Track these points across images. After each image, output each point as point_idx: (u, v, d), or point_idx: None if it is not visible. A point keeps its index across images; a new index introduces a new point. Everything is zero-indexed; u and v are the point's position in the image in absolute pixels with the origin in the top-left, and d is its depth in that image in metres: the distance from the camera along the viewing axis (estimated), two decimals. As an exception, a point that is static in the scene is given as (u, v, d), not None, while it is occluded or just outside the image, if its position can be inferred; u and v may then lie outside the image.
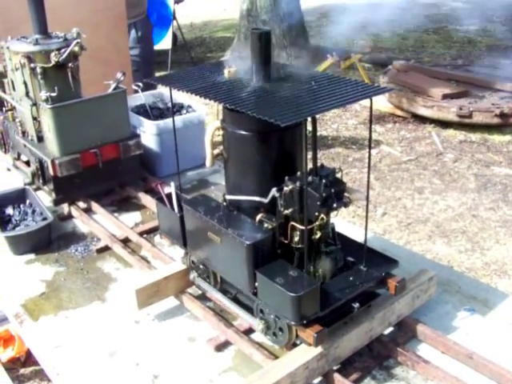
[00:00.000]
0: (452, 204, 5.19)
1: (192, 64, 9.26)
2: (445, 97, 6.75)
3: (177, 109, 3.31)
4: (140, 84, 3.35)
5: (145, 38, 5.64)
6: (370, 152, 1.85)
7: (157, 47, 8.32)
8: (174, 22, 9.25)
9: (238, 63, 1.93)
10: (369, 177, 1.82)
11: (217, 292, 2.04)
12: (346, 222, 2.65)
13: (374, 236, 2.42)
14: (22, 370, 3.56)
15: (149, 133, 3.10)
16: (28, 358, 3.61)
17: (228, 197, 1.94)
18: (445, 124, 6.73)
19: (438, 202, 5.23)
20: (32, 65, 2.72)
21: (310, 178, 1.71)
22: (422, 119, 6.91)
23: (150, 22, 5.82)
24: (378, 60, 8.86)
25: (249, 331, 1.99)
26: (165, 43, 9.07)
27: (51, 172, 2.69)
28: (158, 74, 7.35)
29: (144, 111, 3.30)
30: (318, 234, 1.77)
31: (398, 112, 7.13)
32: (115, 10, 4.15)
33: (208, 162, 2.00)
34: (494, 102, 6.66)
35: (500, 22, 12.03)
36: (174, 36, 9.75)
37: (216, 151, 1.96)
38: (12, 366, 3.55)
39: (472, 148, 6.31)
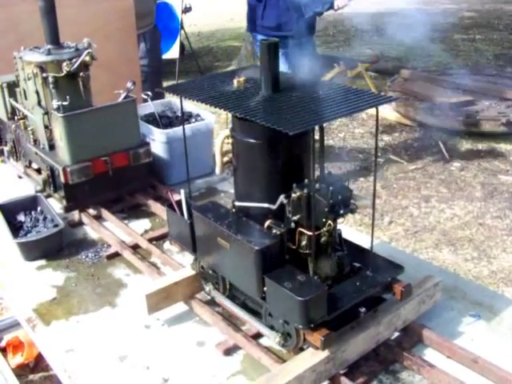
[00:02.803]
0: (458, 212, 5.21)
1: (199, 73, 9.33)
2: (451, 105, 6.77)
3: (185, 117, 3.35)
4: (149, 93, 3.40)
5: (153, 49, 5.68)
6: (376, 160, 1.88)
7: (164, 56, 8.39)
8: (182, 32, 9.31)
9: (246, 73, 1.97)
10: (375, 184, 1.85)
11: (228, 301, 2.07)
12: (352, 230, 2.68)
13: (380, 243, 2.46)
14: (30, 376, 3.60)
15: (158, 141, 3.14)
16: (37, 365, 3.65)
17: (237, 203, 1.98)
18: (451, 132, 6.76)
19: (445, 211, 5.25)
20: (44, 74, 2.77)
21: (317, 185, 1.74)
22: (429, 128, 6.93)
23: (158, 32, 5.86)
24: (385, 69, 8.90)
25: (257, 336, 2.02)
26: (172, 53, 9.14)
27: (62, 179, 2.73)
28: (165, 84, 7.42)
29: (153, 120, 3.34)
30: (325, 240, 1.80)
31: (405, 121, 7.17)
32: (125, 21, 4.21)
33: (218, 170, 2.03)
34: (501, 111, 6.70)
35: (507, 30, 12.05)
36: (182, 45, 9.83)
37: (225, 159, 2.00)
38: (21, 372, 3.59)
39: (478, 156, 6.34)
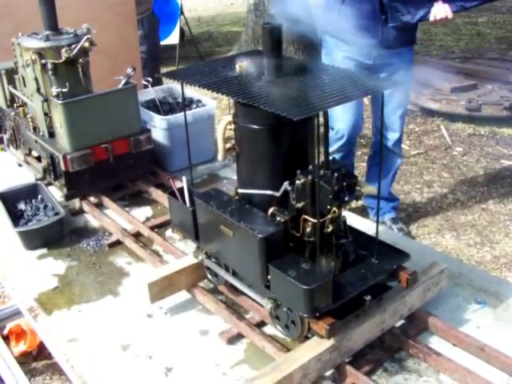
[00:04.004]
0: (461, 197, 5.18)
1: (200, 59, 9.27)
2: (453, 90, 6.73)
3: (187, 103, 3.32)
4: (150, 79, 3.37)
5: (151, 35, 5.65)
6: (381, 146, 1.85)
7: (164, 42, 8.34)
8: (182, 17, 9.24)
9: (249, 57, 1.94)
10: (380, 169, 1.83)
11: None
12: (356, 216, 2.65)
13: (384, 230, 2.43)
14: (33, 364, 3.60)
15: (159, 127, 3.11)
16: (40, 352, 3.65)
17: (240, 191, 1.95)
18: (453, 117, 6.72)
19: (447, 196, 5.22)
20: (43, 61, 2.75)
21: (321, 172, 1.71)
22: (431, 113, 6.89)
23: (156, 18, 5.82)
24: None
25: (261, 324, 2.01)
26: (172, 38, 9.07)
27: (63, 167, 2.71)
28: (165, 69, 7.37)
29: (154, 106, 3.31)
30: (330, 227, 1.77)
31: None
32: (125, 6, 4.18)
33: (220, 157, 2.01)
34: (503, 95, 6.65)
35: (510, 13, 11.95)
36: (182, 31, 9.75)
37: (228, 145, 1.97)
38: (24, 360, 3.58)
39: (481, 141, 6.30)
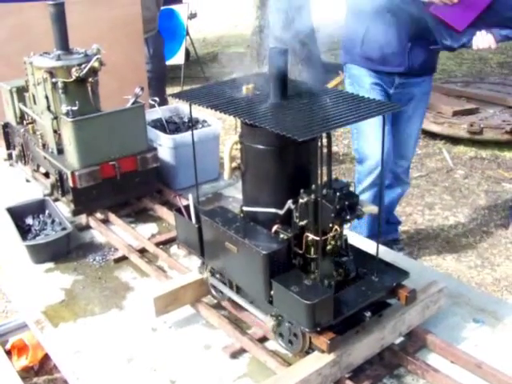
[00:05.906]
0: (462, 220, 5.23)
1: (204, 79, 9.37)
2: (455, 113, 6.80)
3: (192, 123, 3.38)
4: (157, 99, 3.44)
5: (156, 54, 5.71)
6: (382, 168, 1.90)
7: (170, 62, 8.44)
8: (187, 37, 9.37)
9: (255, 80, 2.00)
10: (382, 189, 1.87)
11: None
12: (358, 235, 2.70)
13: (385, 249, 2.47)
14: (34, 379, 3.62)
15: (165, 146, 3.17)
16: (41, 367, 3.67)
17: (245, 208, 2.01)
18: (455, 140, 6.79)
19: (449, 218, 5.27)
20: (54, 79, 2.81)
21: (324, 191, 1.77)
22: (433, 135, 6.96)
23: (161, 37, 5.89)
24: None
25: (263, 339, 2.04)
26: (178, 58, 9.19)
27: (71, 183, 2.76)
28: (170, 89, 7.46)
29: (160, 125, 3.37)
30: (332, 245, 1.83)
31: (409, 128, 7.15)
32: (132, 26, 4.26)
33: (226, 175, 2.06)
34: (505, 119, 6.72)
35: None
36: (187, 51, 9.87)
37: (234, 164, 2.03)
38: (25, 374, 3.61)
39: (482, 164, 6.36)
